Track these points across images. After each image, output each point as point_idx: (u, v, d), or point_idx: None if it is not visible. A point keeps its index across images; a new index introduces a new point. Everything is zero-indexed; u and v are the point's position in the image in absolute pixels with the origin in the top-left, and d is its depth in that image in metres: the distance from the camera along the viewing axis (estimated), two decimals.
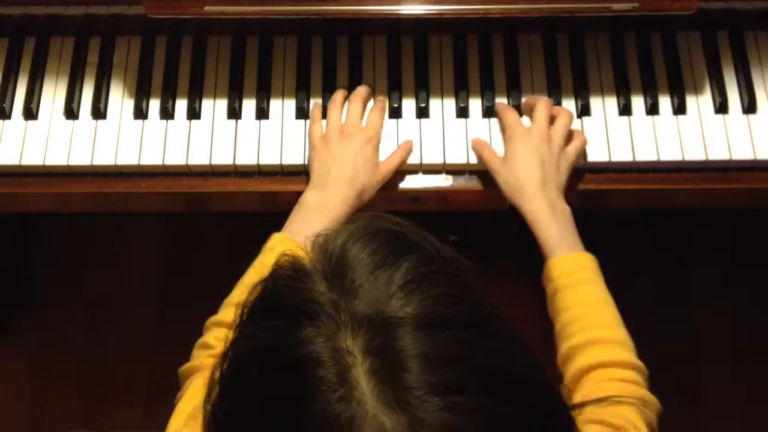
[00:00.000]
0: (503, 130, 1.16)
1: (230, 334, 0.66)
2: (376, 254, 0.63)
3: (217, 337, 1.00)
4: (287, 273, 0.65)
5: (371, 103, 1.21)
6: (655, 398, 0.96)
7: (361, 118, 1.17)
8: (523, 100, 1.21)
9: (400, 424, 0.56)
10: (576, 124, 1.19)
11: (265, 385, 0.61)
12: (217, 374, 0.65)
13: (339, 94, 1.19)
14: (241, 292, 1.02)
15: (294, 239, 1.06)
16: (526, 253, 1.80)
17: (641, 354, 1.75)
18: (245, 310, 0.65)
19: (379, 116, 1.18)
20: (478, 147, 1.17)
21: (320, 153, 1.14)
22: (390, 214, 0.69)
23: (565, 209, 1.10)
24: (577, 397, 0.95)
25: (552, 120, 1.16)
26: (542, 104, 1.16)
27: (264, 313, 0.64)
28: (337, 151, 1.13)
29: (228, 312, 1.03)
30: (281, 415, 0.59)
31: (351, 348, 0.58)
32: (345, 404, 0.57)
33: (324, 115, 1.18)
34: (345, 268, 0.63)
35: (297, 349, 0.59)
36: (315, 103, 1.20)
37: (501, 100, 1.21)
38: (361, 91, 1.19)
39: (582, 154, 1.16)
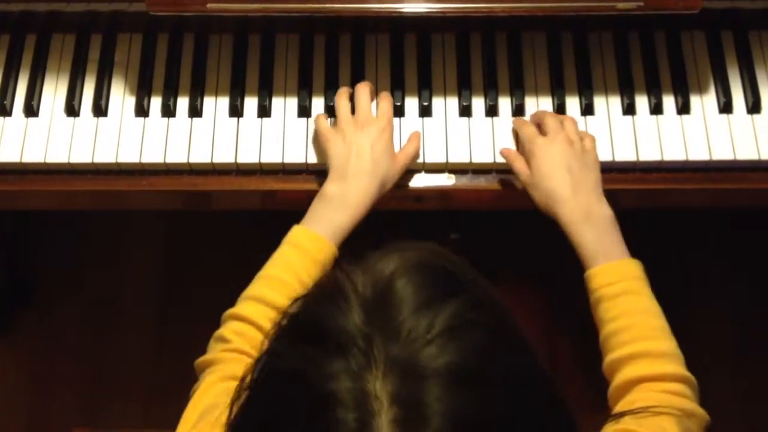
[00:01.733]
0: (522, 144, 1.14)
1: (265, 342, 0.64)
2: (423, 292, 0.60)
3: (233, 330, 0.99)
4: (327, 294, 0.62)
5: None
6: (703, 411, 0.94)
7: (371, 106, 1.16)
8: (528, 101, 1.21)
9: None
10: (579, 123, 1.19)
11: (286, 411, 0.59)
12: (248, 380, 0.63)
13: (344, 88, 1.18)
14: (260, 285, 1.02)
15: (314, 231, 1.05)
16: (529, 252, 1.80)
17: None
18: (282, 323, 0.63)
19: (388, 104, 1.16)
20: (509, 158, 1.14)
21: (337, 145, 1.12)
22: (436, 245, 0.66)
23: (603, 214, 1.06)
24: (619, 407, 0.94)
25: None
26: (549, 113, 1.16)
27: (298, 332, 0.62)
28: (353, 142, 1.11)
29: (245, 305, 1.01)
30: None
31: (379, 393, 0.56)
32: None
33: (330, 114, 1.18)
34: (388, 301, 0.60)
35: (323, 383, 0.57)
36: (318, 114, 1.18)
37: (504, 99, 1.21)
38: (366, 82, 1.18)
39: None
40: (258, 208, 1.23)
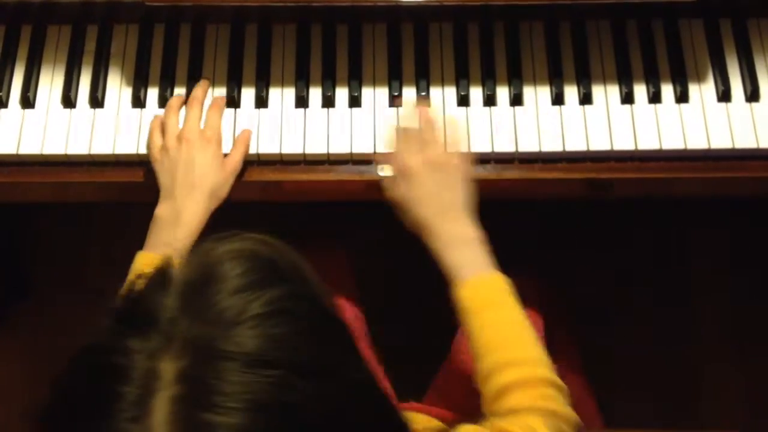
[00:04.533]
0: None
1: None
2: (245, 277, 0.63)
3: None
4: (152, 277, 0.65)
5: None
6: (572, 413, 0.94)
7: (200, 121, 1.15)
8: (526, 90, 1.20)
9: None
10: (578, 112, 1.19)
11: (78, 383, 0.62)
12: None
13: (175, 100, 1.17)
14: None
15: (155, 255, 1.07)
16: (526, 246, 1.79)
17: (641, 351, 1.75)
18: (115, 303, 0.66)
19: (216, 114, 1.16)
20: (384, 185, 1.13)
21: (162, 163, 1.12)
22: (277, 240, 0.69)
23: (468, 236, 1.05)
24: (488, 414, 0.94)
25: None
26: (426, 123, 1.13)
27: (118, 312, 0.65)
28: (179, 158, 1.11)
29: None
30: (77, 416, 0.60)
31: (166, 372, 0.58)
32: (133, 425, 0.57)
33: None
34: (210, 282, 0.63)
35: (115, 357, 0.60)
36: (155, 116, 1.18)
37: (502, 89, 1.20)
38: (198, 94, 1.17)
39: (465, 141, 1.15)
40: (257, 199, 1.22)
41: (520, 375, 0.95)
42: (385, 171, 1.14)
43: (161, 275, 0.64)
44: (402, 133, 1.13)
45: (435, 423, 1.18)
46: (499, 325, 1.00)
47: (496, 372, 0.96)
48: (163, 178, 1.12)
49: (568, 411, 0.94)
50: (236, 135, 1.18)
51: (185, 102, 1.18)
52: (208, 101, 1.19)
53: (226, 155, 1.15)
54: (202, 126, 1.15)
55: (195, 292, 0.62)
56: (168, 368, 0.58)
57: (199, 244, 0.68)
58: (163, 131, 1.15)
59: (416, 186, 1.08)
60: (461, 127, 1.17)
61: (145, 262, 1.07)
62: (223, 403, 0.56)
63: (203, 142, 1.12)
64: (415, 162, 1.09)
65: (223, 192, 1.13)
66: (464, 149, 1.14)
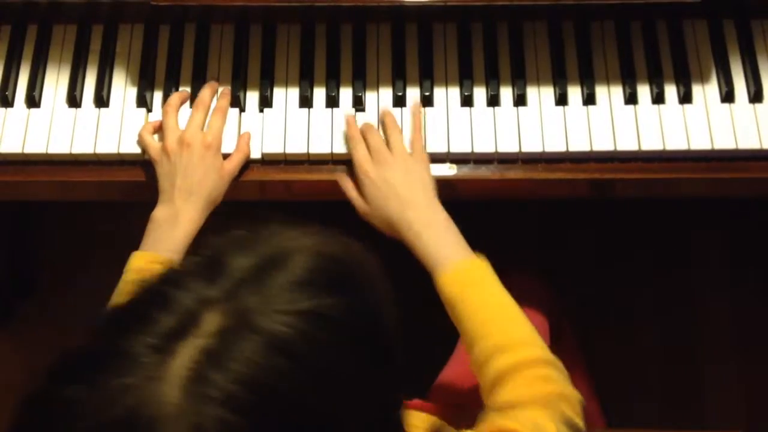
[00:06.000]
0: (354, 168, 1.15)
1: None
2: (309, 275, 0.64)
3: None
4: (236, 239, 0.67)
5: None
6: (575, 391, 0.94)
7: (203, 124, 1.16)
8: (529, 90, 1.20)
9: (182, 409, 0.57)
10: (582, 112, 1.19)
11: (135, 298, 0.64)
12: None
13: (174, 99, 1.17)
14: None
15: (155, 253, 1.08)
16: (526, 246, 1.80)
17: (643, 353, 1.76)
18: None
19: (219, 119, 1.16)
20: (345, 189, 1.15)
21: (162, 166, 1.13)
22: (365, 250, 0.69)
23: (437, 218, 1.07)
24: (490, 403, 0.94)
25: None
26: (373, 131, 1.15)
27: (199, 258, 0.66)
28: (179, 162, 1.12)
29: None
30: (115, 325, 0.63)
31: (206, 322, 0.60)
32: (153, 354, 0.58)
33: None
34: (278, 266, 0.64)
35: (173, 289, 0.62)
36: (146, 123, 1.19)
37: (506, 89, 1.20)
38: (205, 97, 1.17)
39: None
40: (260, 199, 1.23)
41: (514, 359, 0.95)
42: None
43: (248, 238, 0.66)
44: (352, 143, 1.16)
45: (433, 419, 1.18)
46: (484, 310, 1.00)
47: (490, 359, 0.96)
48: (163, 181, 1.13)
49: (567, 389, 0.93)
50: (240, 135, 1.18)
51: (185, 99, 1.19)
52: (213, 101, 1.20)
53: (227, 155, 1.16)
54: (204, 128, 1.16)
55: (264, 267, 0.64)
56: (210, 321, 0.59)
57: (278, 226, 0.68)
58: (162, 129, 1.16)
59: (375, 188, 1.10)
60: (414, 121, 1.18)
61: (142, 260, 1.08)
62: (230, 367, 0.58)
63: (203, 148, 1.13)
64: (366, 167, 1.12)
65: (219, 197, 1.14)
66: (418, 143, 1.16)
